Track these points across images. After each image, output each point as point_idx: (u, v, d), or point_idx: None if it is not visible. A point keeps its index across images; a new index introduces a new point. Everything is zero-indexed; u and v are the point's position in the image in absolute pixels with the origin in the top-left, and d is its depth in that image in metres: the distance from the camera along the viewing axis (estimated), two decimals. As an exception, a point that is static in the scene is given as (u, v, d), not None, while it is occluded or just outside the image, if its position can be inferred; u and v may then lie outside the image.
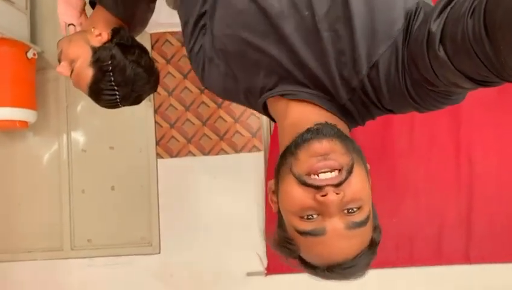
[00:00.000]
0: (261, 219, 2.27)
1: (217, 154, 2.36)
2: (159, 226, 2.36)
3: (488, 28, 0.48)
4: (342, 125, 0.74)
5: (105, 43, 1.07)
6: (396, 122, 2.20)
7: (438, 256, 2.22)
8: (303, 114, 0.72)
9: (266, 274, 2.29)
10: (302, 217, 0.66)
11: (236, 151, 2.35)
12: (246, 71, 0.78)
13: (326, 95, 0.72)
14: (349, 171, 0.64)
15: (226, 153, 2.36)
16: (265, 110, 0.82)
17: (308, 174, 0.64)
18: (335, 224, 0.65)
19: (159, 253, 2.36)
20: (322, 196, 0.63)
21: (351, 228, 0.65)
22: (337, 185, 0.63)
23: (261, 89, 0.77)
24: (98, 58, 1.05)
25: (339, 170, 0.64)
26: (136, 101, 1.16)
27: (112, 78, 1.05)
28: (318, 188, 0.63)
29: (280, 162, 0.69)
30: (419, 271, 2.24)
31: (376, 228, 0.71)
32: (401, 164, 2.23)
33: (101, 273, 2.37)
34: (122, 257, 2.37)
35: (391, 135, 2.23)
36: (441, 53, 0.56)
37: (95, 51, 1.06)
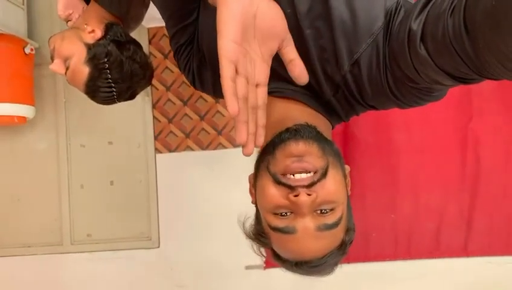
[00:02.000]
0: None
1: (215, 148, 2.37)
2: (158, 220, 2.37)
3: (467, 26, 0.49)
4: (323, 123, 0.75)
5: (99, 40, 1.06)
6: (399, 117, 2.18)
7: (435, 250, 2.23)
8: (286, 112, 0.72)
9: (265, 268, 2.30)
10: (275, 214, 0.67)
11: (235, 145, 2.35)
12: None
13: (310, 92, 0.73)
14: (323, 174, 0.65)
15: (224, 147, 2.36)
16: None
17: (284, 174, 0.65)
18: (306, 224, 0.66)
19: (159, 247, 2.37)
20: (295, 196, 0.64)
21: (322, 230, 0.66)
22: (309, 186, 0.64)
23: None
24: (94, 55, 1.04)
25: (314, 172, 0.65)
26: (131, 96, 1.15)
27: (109, 76, 1.05)
28: (291, 187, 0.64)
29: (259, 158, 0.70)
30: (417, 264, 2.26)
31: (349, 230, 0.71)
32: (403, 159, 2.22)
33: (101, 268, 2.38)
34: (122, 251, 2.38)
35: (394, 130, 2.21)
36: (422, 51, 0.56)
37: (90, 48, 1.05)
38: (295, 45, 0.67)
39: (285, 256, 0.71)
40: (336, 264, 0.72)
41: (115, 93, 1.08)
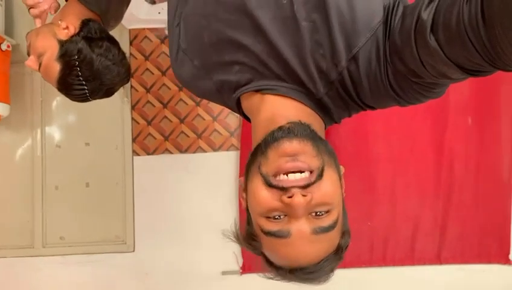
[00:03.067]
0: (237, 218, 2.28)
1: (194, 152, 2.35)
2: (133, 224, 2.33)
3: (485, 13, 0.48)
4: (318, 122, 0.73)
5: (72, 36, 1.05)
6: (378, 127, 2.21)
7: (410, 257, 2.27)
8: (278, 108, 0.69)
9: (241, 273, 2.29)
10: (268, 218, 0.64)
11: (214, 149, 2.34)
12: (219, 65, 0.75)
13: (303, 89, 0.70)
14: (320, 175, 0.62)
15: (204, 151, 2.35)
16: (238, 107, 0.79)
17: (275, 175, 0.63)
18: (301, 227, 0.63)
19: (134, 251, 2.33)
20: (289, 197, 0.61)
21: (317, 233, 0.63)
22: (304, 187, 0.61)
23: (235, 84, 0.75)
24: (65, 52, 1.03)
25: (310, 172, 0.63)
26: (107, 93, 1.14)
27: (79, 73, 1.04)
28: (284, 189, 0.62)
29: (250, 160, 0.67)
30: (391, 271, 2.28)
31: (345, 233, 0.69)
32: (381, 168, 2.25)
33: (74, 272, 2.32)
34: (96, 255, 2.33)
35: (372, 140, 2.24)
36: (432, 41, 0.54)
37: (62, 44, 1.04)
38: (289, 37, 0.66)
39: (279, 262, 0.67)
40: (332, 271, 0.68)
41: (87, 91, 1.07)
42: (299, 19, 0.66)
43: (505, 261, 2.27)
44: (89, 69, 1.04)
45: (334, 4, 0.65)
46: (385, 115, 2.19)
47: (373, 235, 2.25)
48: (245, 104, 0.76)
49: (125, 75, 1.15)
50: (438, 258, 2.26)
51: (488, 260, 2.27)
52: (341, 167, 0.72)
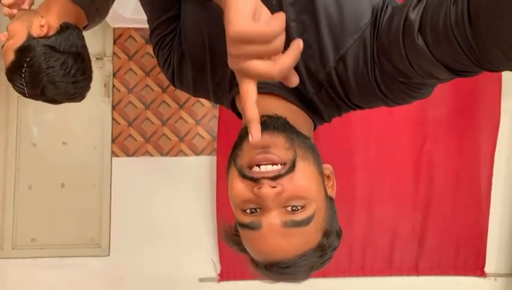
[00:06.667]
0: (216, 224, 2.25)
1: (175, 155, 2.31)
2: (109, 227, 2.28)
3: (471, 15, 0.49)
4: (304, 121, 0.73)
5: (41, 37, 1.03)
6: (359, 136, 2.23)
7: (388, 268, 2.28)
8: (266, 106, 0.69)
9: (219, 280, 2.26)
10: (244, 210, 0.65)
11: (196, 153, 2.31)
12: (213, 67, 0.76)
13: (291, 90, 0.70)
14: (291, 167, 0.63)
15: (185, 155, 2.32)
16: (233, 107, 0.80)
17: (250, 167, 0.64)
18: (272, 219, 0.63)
19: (108, 255, 2.28)
20: (258, 188, 0.62)
21: (288, 226, 0.63)
22: (274, 179, 0.62)
23: (229, 83, 0.76)
24: (23, 48, 1.02)
25: (283, 164, 0.63)
26: (52, 102, 1.13)
27: (23, 75, 1.03)
28: (255, 180, 0.63)
29: (231, 154, 0.69)
30: (370, 281, 2.29)
31: (329, 233, 0.68)
32: (358, 177, 2.27)
33: (45, 275, 2.25)
34: (69, 258, 2.27)
35: (353, 149, 2.25)
36: (420, 42, 0.55)
37: (28, 39, 1.03)
38: None
39: (255, 256, 0.68)
40: (311, 269, 0.68)
41: (26, 93, 1.06)
42: (287, 19, 0.67)
43: (480, 273, 2.31)
44: (33, 76, 1.03)
45: (323, 5, 0.66)
46: (365, 124, 2.21)
47: (352, 244, 2.26)
48: (238, 103, 0.77)
49: (75, 96, 1.12)
50: (416, 270, 2.29)
51: (464, 272, 2.31)
52: (327, 165, 0.73)
